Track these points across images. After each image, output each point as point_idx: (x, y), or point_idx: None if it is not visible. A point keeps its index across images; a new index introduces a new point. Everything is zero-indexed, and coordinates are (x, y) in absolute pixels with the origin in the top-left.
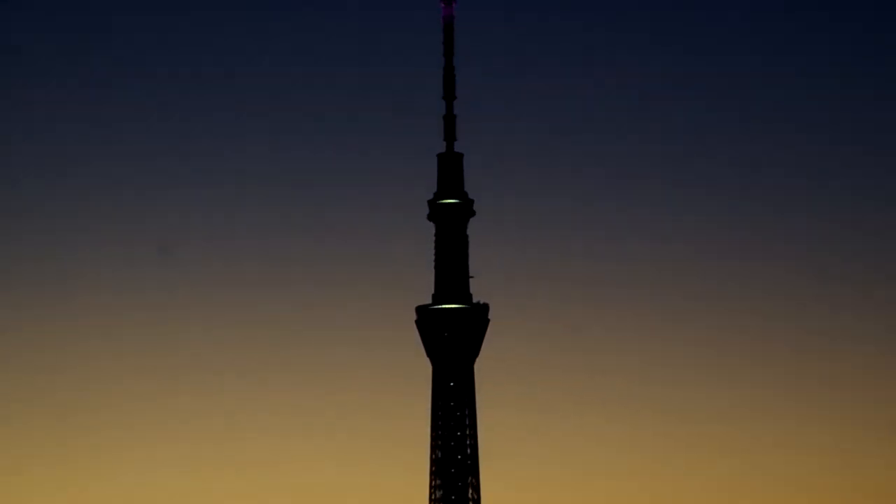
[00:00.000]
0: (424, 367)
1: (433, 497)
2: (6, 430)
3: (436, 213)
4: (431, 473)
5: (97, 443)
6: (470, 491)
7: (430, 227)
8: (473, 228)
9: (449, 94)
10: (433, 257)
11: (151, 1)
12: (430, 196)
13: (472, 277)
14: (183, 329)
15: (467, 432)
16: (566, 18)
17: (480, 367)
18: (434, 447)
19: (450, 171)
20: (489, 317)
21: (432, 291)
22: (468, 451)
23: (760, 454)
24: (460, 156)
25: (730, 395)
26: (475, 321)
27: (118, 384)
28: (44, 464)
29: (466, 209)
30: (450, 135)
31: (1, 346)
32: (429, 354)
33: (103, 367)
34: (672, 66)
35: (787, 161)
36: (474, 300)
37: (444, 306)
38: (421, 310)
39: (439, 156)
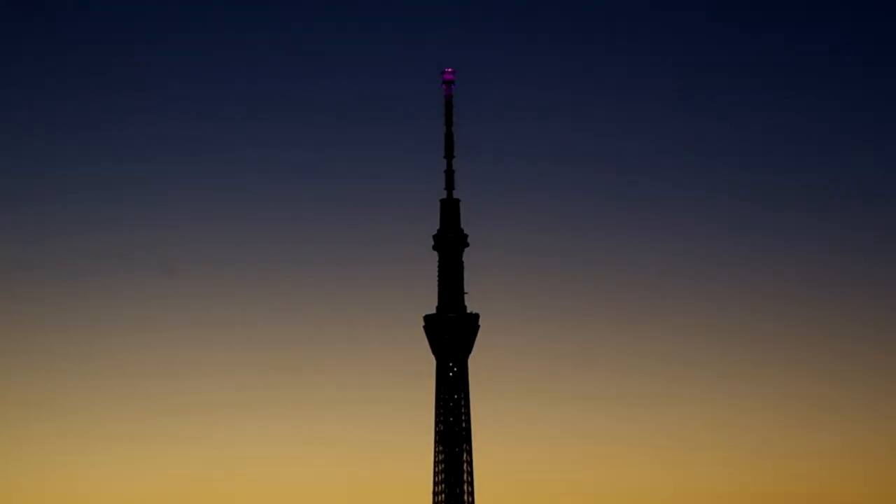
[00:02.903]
0: (430, 362)
1: (437, 460)
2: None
3: (439, 244)
4: (435, 442)
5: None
6: (464, 455)
7: (434, 255)
8: (468, 256)
9: (449, 154)
10: (437, 278)
11: (167, 23)
12: (435, 231)
13: (466, 293)
14: (227, 328)
15: (462, 411)
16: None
17: (473, 361)
18: (437, 422)
19: (449, 212)
20: (479, 323)
21: (436, 304)
22: (463, 425)
23: (729, 444)
24: (457, 201)
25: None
26: (469, 327)
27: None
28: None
29: (462, 242)
30: (449, 185)
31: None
32: (433, 352)
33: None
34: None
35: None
36: (468, 311)
37: (445, 315)
38: (428, 318)
39: (441, 201)
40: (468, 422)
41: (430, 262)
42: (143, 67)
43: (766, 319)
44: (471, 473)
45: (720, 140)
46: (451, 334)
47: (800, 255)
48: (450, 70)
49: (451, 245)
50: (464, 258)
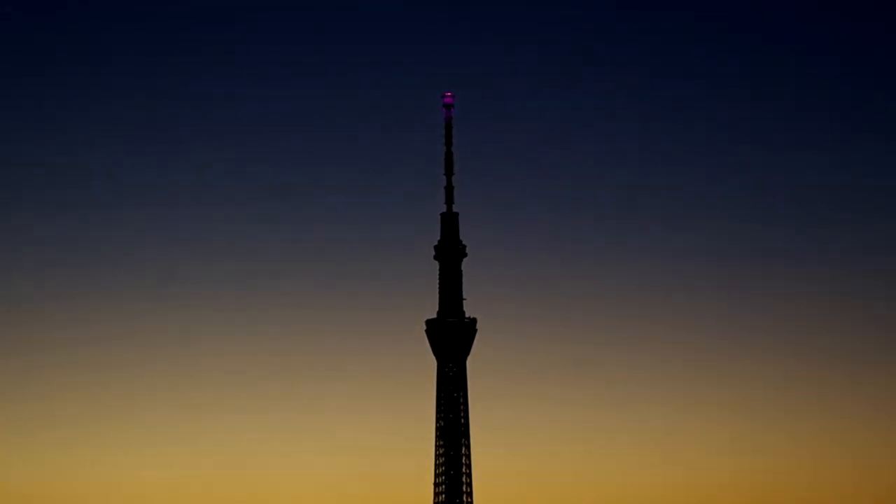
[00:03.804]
0: (431, 363)
1: (438, 452)
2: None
3: (439, 255)
4: (437, 436)
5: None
6: (463, 448)
7: (435, 265)
8: (466, 265)
9: (448, 171)
10: (437, 286)
11: (170, 43)
12: (435, 243)
13: (464, 300)
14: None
15: (461, 408)
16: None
17: (471, 362)
18: (438, 418)
19: (449, 225)
20: (477, 327)
21: (437, 309)
22: (462, 420)
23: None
24: (456, 214)
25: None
26: (467, 330)
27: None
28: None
29: (461, 252)
30: (449, 199)
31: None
32: (435, 353)
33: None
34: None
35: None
36: (466, 316)
37: (445, 320)
38: (429, 322)
39: (441, 215)
40: (467, 418)
41: (432, 271)
42: (141, 78)
43: (762, 326)
44: (469, 465)
45: (717, 153)
46: (451, 337)
47: (798, 257)
48: (449, 94)
49: (450, 255)
50: (462, 267)
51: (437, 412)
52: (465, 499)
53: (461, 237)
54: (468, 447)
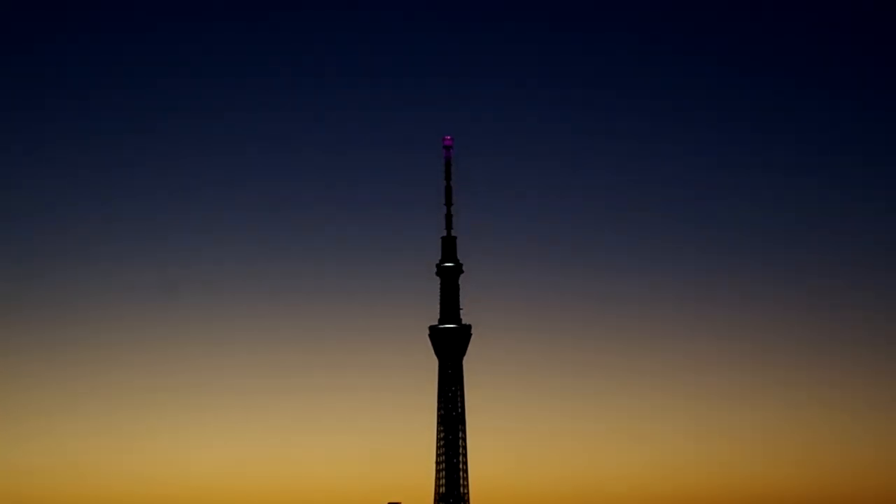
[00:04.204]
0: (433, 362)
1: (438, 437)
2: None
3: (440, 272)
4: (438, 423)
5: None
6: (460, 433)
7: (436, 280)
8: (463, 280)
9: (448, 201)
10: (438, 297)
11: (177, 63)
12: (437, 261)
13: (461, 309)
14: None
15: (459, 400)
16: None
17: (467, 362)
18: (439, 408)
19: (448, 247)
20: (471, 332)
21: (438, 317)
22: (459, 410)
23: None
24: (454, 238)
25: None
26: (463, 335)
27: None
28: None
29: (458, 270)
30: (448, 226)
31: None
32: (436, 354)
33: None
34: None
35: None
36: (463, 322)
37: (445, 326)
38: (432, 328)
39: (442, 238)
40: (463, 408)
41: (433, 285)
42: (147, 88)
43: (748, 327)
44: (465, 448)
45: (701, 175)
46: (450, 341)
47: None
48: (448, 137)
49: (449, 272)
50: (459, 282)
51: (438, 403)
52: (461, 475)
53: (458, 257)
54: (464, 432)
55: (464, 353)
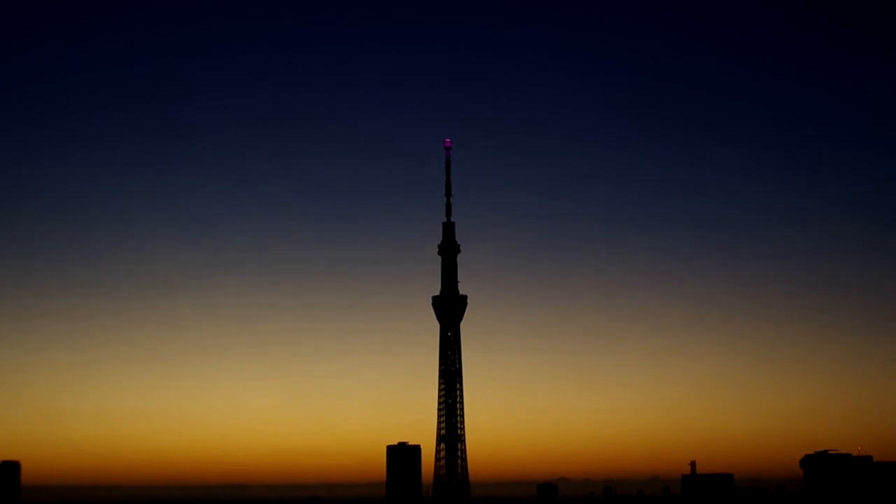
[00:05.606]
0: (435, 327)
1: (440, 388)
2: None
3: (441, 251)
4: (439, 377)
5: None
6: (458, 384)
7: (438, 258)
8: (460, 258)
9: (448, 192)
10: (440, 272)
11: (179, 75)
12: (438, 243)
13: (459, 282)
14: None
15: (456, 358)
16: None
17: (464, 326)
18: (440, 364)
19: (448, 231)
20: (467, 302)
21: (440, 289)
22: (457, 365)
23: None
24: (453, 223)
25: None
26: (460, 303)
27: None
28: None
29: (456, 249)
30: (448, 213)
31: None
32: (438, 320)
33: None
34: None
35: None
36: (460, 293)
37: (445, 297)
38: (434, 298)
39: (443, 224)
40: (460, 364)
41: (436, 263)
42: (149, 91)
43: (736, 301)
44: (461, 397)
45: (693, 185)
46: (449, 309)
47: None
48: (448, 140)
49: (449, 252)
50: (458, 260)
51: (440, 360)
52: (458, 418)
53: (457, 239)
54: (461, 384)
55: (461, 319)
